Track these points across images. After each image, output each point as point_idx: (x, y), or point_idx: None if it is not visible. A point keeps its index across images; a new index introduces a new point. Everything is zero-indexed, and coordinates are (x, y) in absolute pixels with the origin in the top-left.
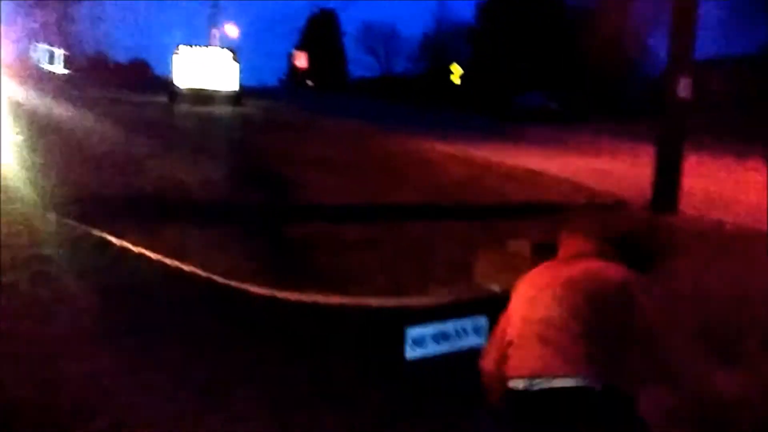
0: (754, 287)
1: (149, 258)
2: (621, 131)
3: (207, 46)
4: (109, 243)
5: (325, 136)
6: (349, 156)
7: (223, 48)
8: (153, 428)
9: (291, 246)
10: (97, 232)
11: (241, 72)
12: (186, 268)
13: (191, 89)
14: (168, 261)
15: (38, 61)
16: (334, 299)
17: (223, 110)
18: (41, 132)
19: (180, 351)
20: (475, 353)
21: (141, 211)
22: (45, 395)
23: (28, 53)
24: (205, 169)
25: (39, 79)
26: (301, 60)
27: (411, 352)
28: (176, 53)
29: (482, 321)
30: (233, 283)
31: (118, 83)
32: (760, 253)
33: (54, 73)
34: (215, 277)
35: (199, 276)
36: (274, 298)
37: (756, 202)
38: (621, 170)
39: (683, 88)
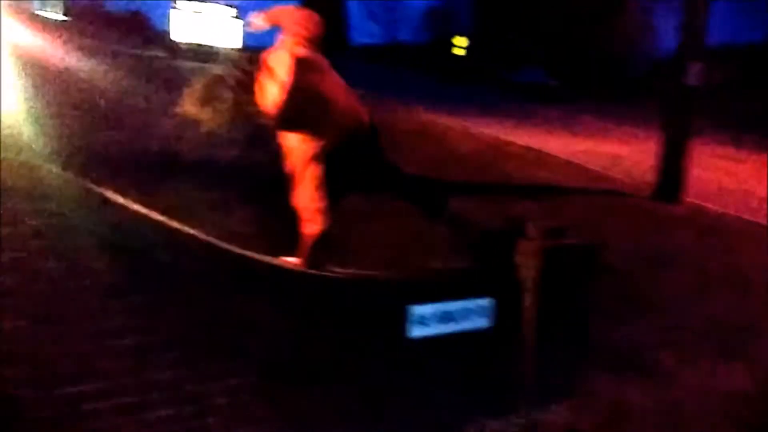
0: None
1: (149, 218)
2: (623, 113)
3: (206, 1)
4: (109, 200)
5: None
6: None
7: (223, 5)
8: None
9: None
10: (98, 189)
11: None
12: (192, 231)
13: (189, 45)
14: (173, 224)
15: (38, 6)
16: (339, 271)
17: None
18: (44, 80)
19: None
20: (478, 335)
21: (145, 167)
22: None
23: None
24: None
25: (39, 24)
26: None
27: (414, 331)
28: (174, 7)
29: (486, 303)
30: (234, 249)
31: (117, 35)
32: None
33: (53, 20)
34: (219, 243)
35: (199, 239)
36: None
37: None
38: (625, 155)
39: (694, 74)
